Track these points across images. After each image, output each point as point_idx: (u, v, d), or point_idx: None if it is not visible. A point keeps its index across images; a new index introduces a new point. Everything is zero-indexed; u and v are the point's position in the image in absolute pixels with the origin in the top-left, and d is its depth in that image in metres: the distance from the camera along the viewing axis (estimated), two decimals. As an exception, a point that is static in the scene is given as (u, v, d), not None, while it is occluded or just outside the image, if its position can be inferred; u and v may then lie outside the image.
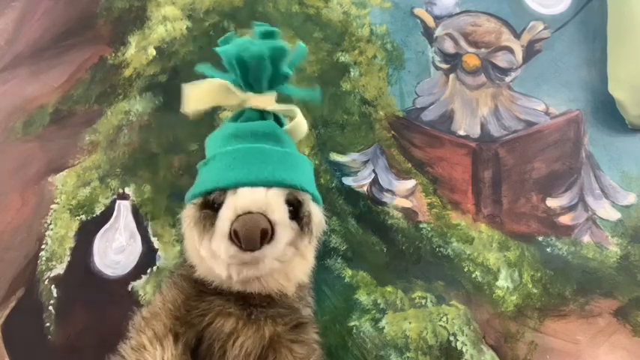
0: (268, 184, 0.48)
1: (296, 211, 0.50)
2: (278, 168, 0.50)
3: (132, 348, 0.49)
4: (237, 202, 0.46)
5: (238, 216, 0.45)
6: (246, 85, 0.54)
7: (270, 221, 0.46)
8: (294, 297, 0.54)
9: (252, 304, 0.52)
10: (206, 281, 0.52)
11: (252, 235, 0.45)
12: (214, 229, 0.48)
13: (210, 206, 0.49)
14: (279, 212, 0.47)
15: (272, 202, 0.47)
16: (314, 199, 0.54)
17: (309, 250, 0.54)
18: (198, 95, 0.55)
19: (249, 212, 0.45)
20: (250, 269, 0.47)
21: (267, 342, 0.51)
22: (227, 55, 0.52)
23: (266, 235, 0.45)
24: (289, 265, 0.51)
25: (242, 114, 0.55)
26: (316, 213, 0.53)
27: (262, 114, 0.55)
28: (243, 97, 0.54)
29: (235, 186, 0.48)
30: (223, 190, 0.49)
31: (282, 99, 0.57)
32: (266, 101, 0.54)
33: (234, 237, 0.45)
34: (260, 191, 0.47)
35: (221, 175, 0.49)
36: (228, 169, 0.49)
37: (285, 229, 0.48)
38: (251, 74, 0.52)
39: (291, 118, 0.58)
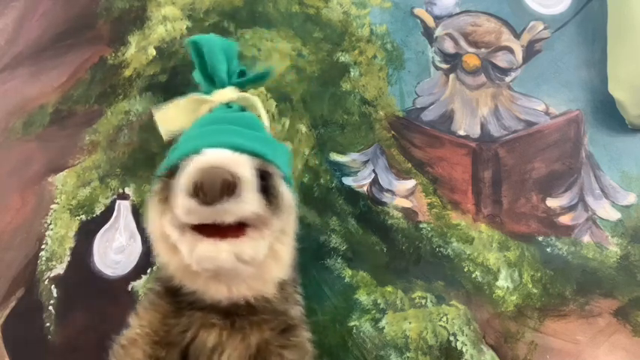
0: (236, 149, 0.45)
1: (265, 184, 0.46)
2: (248, 140, 0.47)
3: None
4: (200, 159, 0.43)
5: (200, 170, 0.42)
6: (209, 83, 0.57)
7: (232, 175, 0.41)
8: (277, 299, 0.50)
9: (234, 312, 0.48)
10: (182, 293, 0.48)
11: (213, 184, 0.40)
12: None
13: (172, 175, 0.46)
14: (244, 169, 0.43)
15: (237, 160, 0.43)
16: (286, 181, 0.50)
17: (282, 248, 0.49)
18: (170, 116, 0.56)
19: (212, 166, 0.42)
20: (212, 247, 0.42)
21: (254, 351, 0.48)
22: (191, 50, 0.56)
23: (228, 185, 0.41)
24: (262, 267, 0.47)
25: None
26: (286, 192, 0.49)
27: (229, 106, 0.56)
28: (211, 99, 0.55)
29: (199, 151, 0.44)
30: (186, 158, 0.45)
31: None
32: (228, 94, 0.55)
33: (193, 190, 0.41)
34: (226, 151, 0.44)
35: (187, 145, 0.47)
36: (195, 141, 0.47)
37: (250, 187, 0.43)
38: (209, 67, 0.55)
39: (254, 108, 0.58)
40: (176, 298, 0.49)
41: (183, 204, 0.42)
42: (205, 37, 0.56)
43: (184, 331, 0.47)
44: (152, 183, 0.51)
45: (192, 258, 0.43)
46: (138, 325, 0.49)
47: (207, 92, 0.57)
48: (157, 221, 0.48)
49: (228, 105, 0.56)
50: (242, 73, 0.59)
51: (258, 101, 0.57)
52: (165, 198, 0.46)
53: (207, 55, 0.55)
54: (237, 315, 0.48)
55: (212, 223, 0.42)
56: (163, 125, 0.56)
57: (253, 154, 0.46)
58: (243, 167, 0.43)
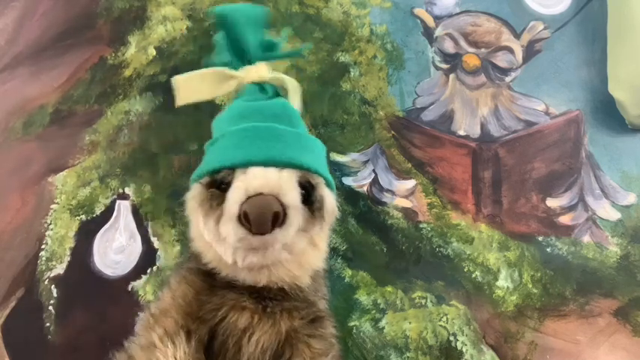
0: (280, 165, 0.45)
1: (308, 194, 0.47)
2: (290, 148, 0.47)
3: (141, 347, 0.46)
4: (248, 183, 0.43)
5: (249, 197, 0.42)
6: (237, 58, 0.53)
7: (282, 204, 0.42)
8: (309, 289, 0.51)
9: (266, 297, 0.48)
10: (216, 273, 0.49)
11: (264, 218, 0.41)
12: (221, 211, 0.45)
13: (218, 186, 0.46)
14: (291, 195, 0.44)
15: (285, 184, 0.44)
16: (327, 184, 0.50)
17: (321, 238, 0.50)
18: (191, 85, 0.53)
19: (261, 194, 0.42)
20: (257, 255, 0.44)
21: (283, 337, 0.48)
22: (218, 22, 0.52)
23: (278, 218, 0.42)
24: (301, 254, 0.48)
25: (244, 93, 0.54)
26: (329, 199, 0.50)
27: (263, 88, 0.53)
28: (239, 75, 0.52)
29: (245, 165, 0.45)
30: (232, 169, 0.45)
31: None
32: (260, 71, 0.52)
33: (244, 219, 0.42)
34: (272, 171, 0.44)
35: (230, 154, 0.46)
36: (237, 147, 0.46)
37: (297, 213, 0.44)
38: (237, 41, 0.51)
39: (287, 91, 0.55)
40: (210, 277, 0.49)
41: (234, 231, 0.43)
42: (232, 7, 0.51)
43: (216, 310, 0.47)
44: (190, 184, 0.51)
45: (241, 264, 0.45)
46: (171, 297, 0.49)
47: (235, 67, 0.53)
48: (197, 226, 0.49)
49: (260, 86, 0.53)
50: (271, 46, 0.54)
51: (292, 82, 0.54)
52: (211, 206, 0.46)
53: (235, 26, 0.51)
54: (269, 299, 0.48)
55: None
56: (182, 93, 0.53)
57: (298, 167, 0.46)
58: (291, 193, 0.44)
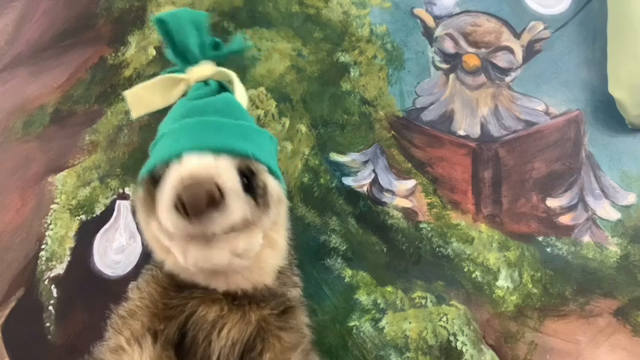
0: (216, 151, 0.43)
1: (249, 182, 0.45)
2: (229, 137, 0.45)
3: (109, 350, 0.46)
4: (182, 169, 0.42)
5: (183, 184, 0.40)
6: (183, 61, 0.53)
7: (218, 187, 0.40)
8: (276, 285, 0.51)
9: (233, 294, 0.48)
10: (183, 280, 0.48)
11: (197, 198, 0.39)
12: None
13: (155, 183, 0.45)
14: (227, 177, 0.42)
15: (220, 168, 0.42)
16: (272, 173, 0.49)
17: (278, 234, 0.50)
18: (142, 97, 0.53)
19: (194, 179, 0.40)
20: (202, 249, 0.42)
21: (254, 329, 0.47)
22: (158, 28, 0.52)
23: (213, 198, 0.40)
24: (259, 258, 0.47)
25: (190, 93, 0.54)
26: (273, 185, 0.48)
27: (207, 85, 0.53)
28: (185, 77, 0.53)
29: (180, 156, 0.43)
30: (167, 164, 0.44)
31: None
32: (203, 70, 0.53)
33: (180, 205, 0.40)
34: (207, 157, 0.43)
35: (166, 149, 0.45)
36: (175, 141, 0.45)
37: (236, 197, 0.42)
38: (178, 43, 0.52)
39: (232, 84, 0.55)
40: (175, 276, 0.49)
41: (170, 218, 0.41)
42: (171, 13, 0.51)
43: (184, 304, 0.47)
44: (136, 185, 0.50)
45: (187, 262, 0.43)
46: (138, 298, 0.49)
47: (182, 70, 0.54)
48: (146, 225, 0.48)
49: (205, 83, 0.53)
50: (216, 45, 0.55)
51: (234, 75, 0.54)
52: (151, 204, 0.45)
53: (175, 31, 0.51)
54: (236, 296, 0.48)
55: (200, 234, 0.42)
56: (134, 107, 0.53)
57: (236, 153, 0.45)
58: (227, 176, 0.42)
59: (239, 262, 0.44)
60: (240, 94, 0.54)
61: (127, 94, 0.53)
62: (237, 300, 0.48)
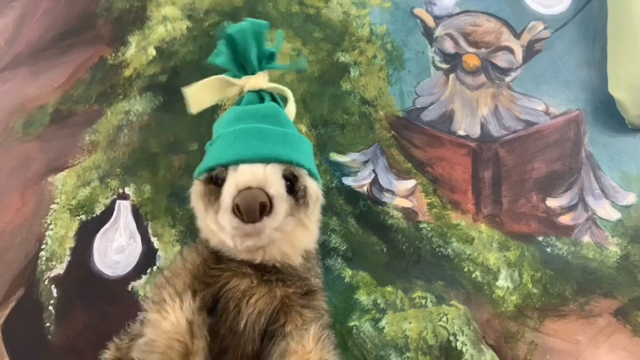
0: (266, 160, 0.52)
1: (292, 185, 0.54)
2: (276, 145, 0.54)
3: (153, 302, 0.54)
4: (238, 179, 0.50)
5: (239, 191, 0.50)
6: (239, 69, 0.60)
7: (268, 195, 0.50)
8: (302, 268, 0.58)
9: (263, 270, 0.55)
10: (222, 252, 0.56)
11: (253, 209, 0.49)
12: (218, 203, 0.52)
13: (214, 182, 0.54)
14: (276, 187, 0.51)
15: (269, 177, 0.51)
16: (311, 175, 0.57)
17: (310, 220, 0.58)
18: (199, 95, 0.60)
19: (249, 187, 0.50)
20: (252, 239, 0.51)
21: (278, 303, 0.54)
22: (226, 40, 0.58)
23: (265, 208, 0.49)
24: (292, 234, 0.55)
25: (242, 100, 0.60)
26: (312, 187, 0.56)
27: (260, 96, 0.59)
28: (240, 83, 0.59)
29: (236, 162, 0.52)
30: (225, 167, 0.53)
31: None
32: (259, 80, 0.59)
33: (237, 211, 0.49)
34: (258, 167, 0.51)
35: (223, 153, 0.54)
36: (230, 147, 0.54)
37: (282, 202, 0.51)
38: (240, 54, 0.58)
39: (286, 100, 0.62)
40: (216, 251, 0.57)
41: (229, 221, 0.50)
42: (238, 28, 0.57)
43: (219, 275, 0.55)
44: (193, 180, 0.57)
45: (239, 247, 0.52)
46: (181, 261, 0.57)
47: (237, 75, 0.59)
48: (204, 214, 0.56)
49: (259, 94, 0.59)
50: (272, 56, 0.60)
51: (289, 92, 0.62)
52: (211, 198, 0.54)
53: (239, 44, 0.57)
54: (266, 272, 0.55)
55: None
56: (192, 102, 0.60)
57: (281, 160, 0.53)
58: (275, 184, 0.51)
59: (276, 235, 0.53)
60: (291, 109, 0.62)
61: (187, 91, 0.60)
62: (266, 275, 0.55)
